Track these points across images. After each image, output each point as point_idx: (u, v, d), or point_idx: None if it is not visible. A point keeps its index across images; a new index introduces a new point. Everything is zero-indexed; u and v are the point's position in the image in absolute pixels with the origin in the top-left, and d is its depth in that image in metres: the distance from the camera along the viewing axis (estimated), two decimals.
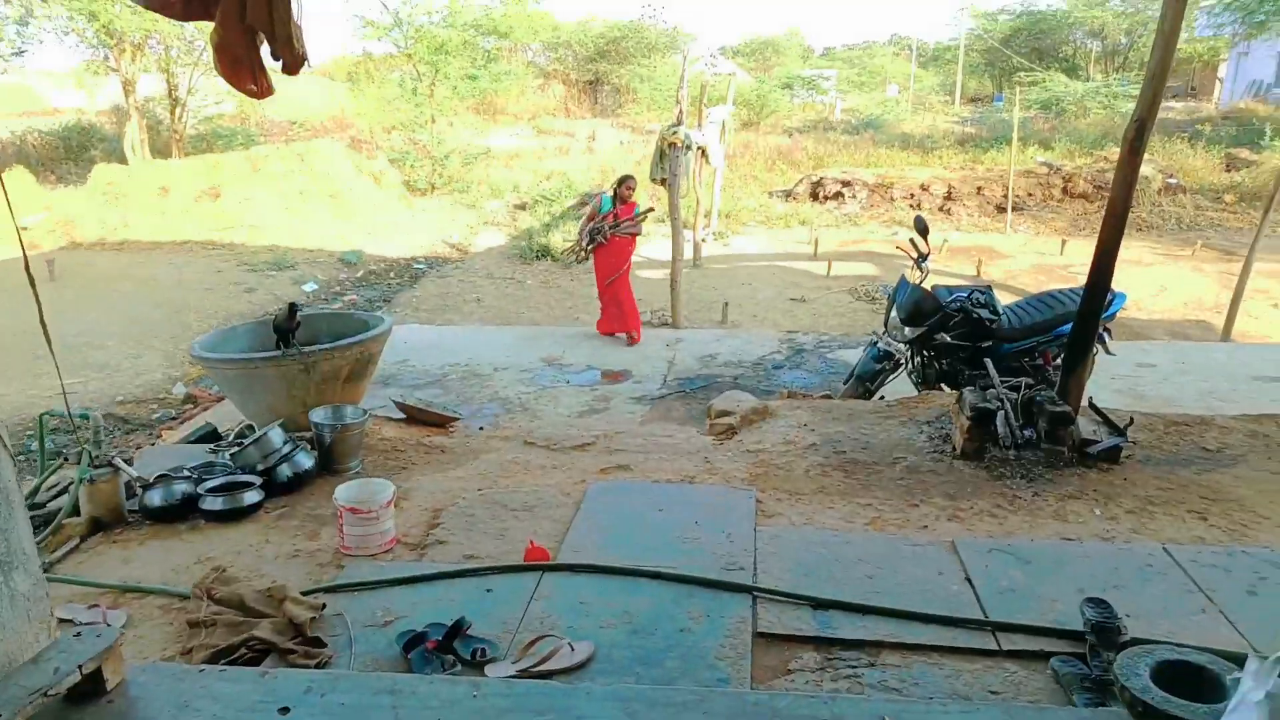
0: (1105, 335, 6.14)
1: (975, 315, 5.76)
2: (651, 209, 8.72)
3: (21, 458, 6.51)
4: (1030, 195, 17.18)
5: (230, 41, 2.19)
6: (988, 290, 6.10)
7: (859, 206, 17.56)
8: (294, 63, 2.25)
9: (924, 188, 17.59)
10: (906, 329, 5.90)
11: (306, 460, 3.75)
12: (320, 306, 10.80)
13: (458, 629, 2.48)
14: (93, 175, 15.96)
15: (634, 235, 8.32)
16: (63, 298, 11.01)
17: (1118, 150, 4.09)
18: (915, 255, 5.94)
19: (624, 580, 2.82)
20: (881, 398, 5.78)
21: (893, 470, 3.88)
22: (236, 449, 3.69)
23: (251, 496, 3.47)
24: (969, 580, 2.83)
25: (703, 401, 6.77)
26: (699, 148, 11.85)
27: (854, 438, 4.29)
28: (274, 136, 26.17)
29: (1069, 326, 6.11)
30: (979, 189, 17.35)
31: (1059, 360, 6.36)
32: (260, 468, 3.65)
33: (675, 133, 9.28)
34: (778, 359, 7.90)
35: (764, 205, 17.86)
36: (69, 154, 22.67)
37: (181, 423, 6.75)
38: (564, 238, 14.78)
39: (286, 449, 3.72)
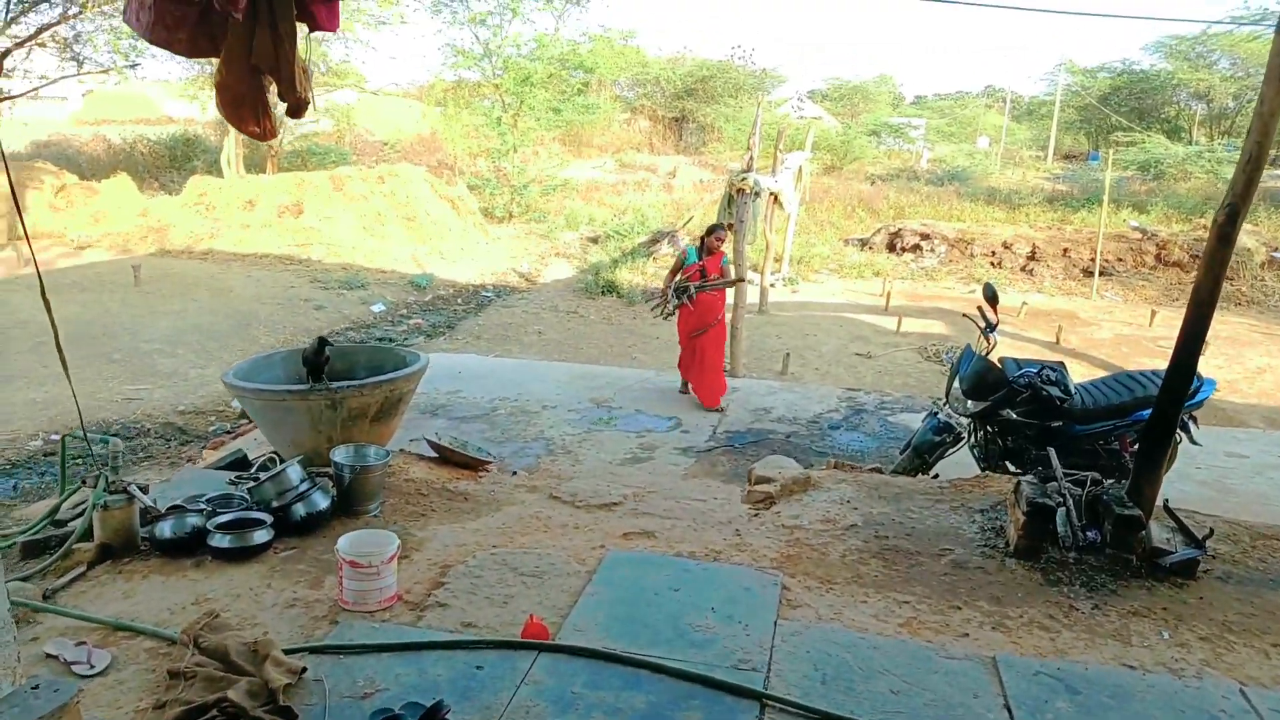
0: (1190, 424, 5.69)
1: (1044, 393, 5.40)
2: (741, 279, 8.50)
3: (49, 475, 6.65)
4: (1120, 260, 16.43)
5: (233, 80, 2.12)
6: (1059, 367, 5.72)
7: (937, 260, 17.07)
8: (298, 105, 2.16)
9: (1007, 245, 17.01)
10: (969, 402, 5.56)
11: (322, 500, 3.66)
12: (363, 336, 10.92)
13: (434, 714, 2.31)
14: (187, 186, 16.64)
15: (736, 282, 8.15)
16: (144, 303, 11.40)
17: None
18: (983, 324, 5.61)
19: (623, 671, 2.61)
20: (935, 475, 5.44)
21: (937, 563, 3.58)
22: (253, 484, 3.62)
23: (260, 536, 3.38)
24: (1008, 709, 2.53)
25: (752, 458, 6.52)
26: (772, 194, 11.66)
27: (899, 521, 3.99)
28: (365, 156, 27.02)
29: (1150, 411, 5.72)
30: (1065, 250, 16.69)
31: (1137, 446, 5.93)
32: (275, 505, 3.57)
33: (744, 179, 9.13)
34: (835, 418, 7.59)
35: (838, 253, 17.53)
36: (173, 163, 23.76)
37: (236, 437, 6.81)
38: (634, 275, 14.74)
39: (303, 487, 3.63)
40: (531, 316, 12.25)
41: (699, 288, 7.40)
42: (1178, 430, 5.84)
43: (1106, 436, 5.63)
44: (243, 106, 2.23)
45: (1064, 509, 3.64)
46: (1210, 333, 11.51)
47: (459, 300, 13.17)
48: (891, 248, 17.93)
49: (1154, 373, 5.84)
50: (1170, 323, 12.34)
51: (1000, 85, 59.26)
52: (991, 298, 5.55)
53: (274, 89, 2.17)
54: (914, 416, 7.90)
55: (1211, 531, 3.60)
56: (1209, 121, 39.28)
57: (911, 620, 3.09)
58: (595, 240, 17.77)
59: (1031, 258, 16.72)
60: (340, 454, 3.83)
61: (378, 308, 12.29)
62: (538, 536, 3.71)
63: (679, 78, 36.48)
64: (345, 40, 21.24)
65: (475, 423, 7.19)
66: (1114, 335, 11.56)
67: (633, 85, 38.60)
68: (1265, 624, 3.20)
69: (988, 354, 5.60)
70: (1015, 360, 5.84)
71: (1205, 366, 10.54)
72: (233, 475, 3.93)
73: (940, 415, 5.79)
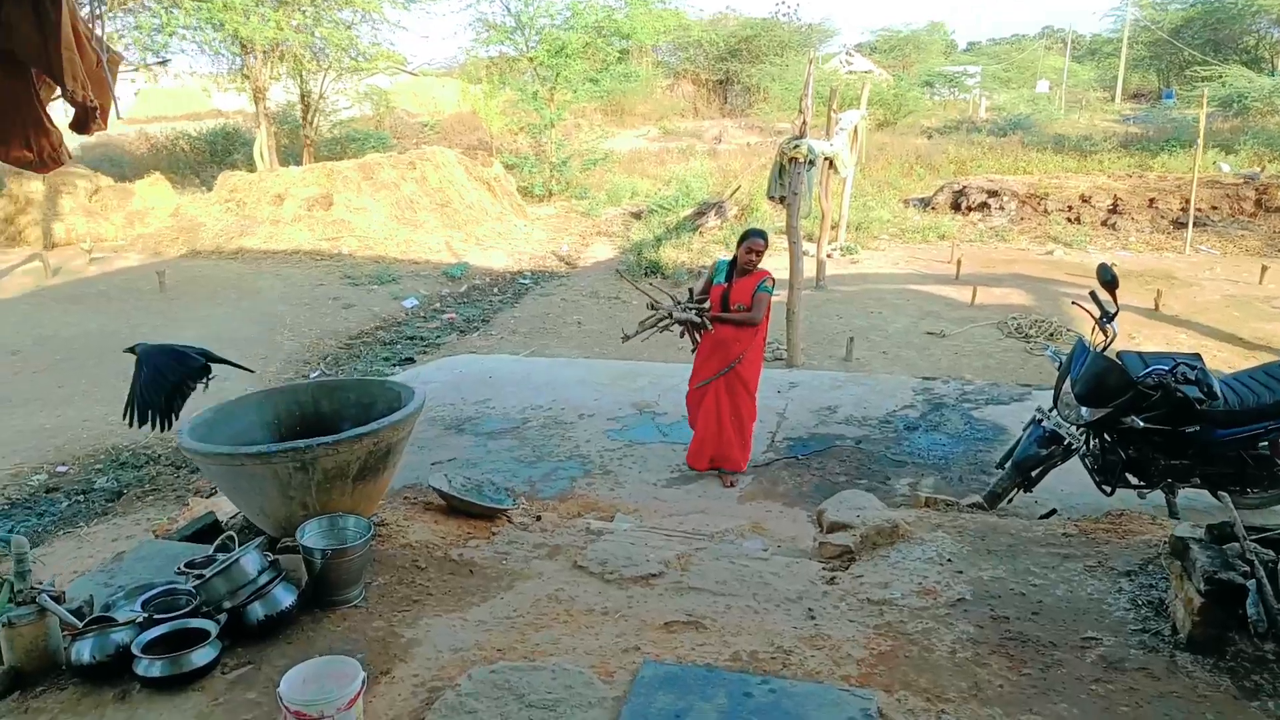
0: None
1: (1180, 395, 4.41)
2: (755, 320, 5.24)
3: (49, 516, 6.13)
4: (1215, 209, 14.93)
5: None
6: (1197, 360, 4.71)
7: (1007, 219, 15.78)
8: (85, 111, 1.38)
9: (1084, 199, 15.62)
10: (1083, 409, 4.59)
11: (286, 597, 2.92)
12: (394, 335, 10.21)
13: None
14: (218, 182, 16.20)
15: (753, 325, 5.25)
16: (169, 310, 10.93)
17: None
18: (1099, 313, 4.63)
19: None
20: (1054, 511, 4.50)
21: (1081, 662, 2.70)
22: (199, 580, 2.89)
23: (201, 656, 2.66)
24: None
25: (815, 472, 5.67)
26: (826, 158, 10.63)
27: (1020, 592, 3.10)
28: (405, 139, 26.43)
29: None
30: (1151, 201, 15.25)
31: None
32: (228, 605, 2.84)
33: (796, 147, 8.14)
34: (911, 415, 6.65)
35: (899, 216, 16.35)
36: (213, 158, 23.45)
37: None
38: (679, 252, 13.83)
39: (263, 580, 2.90)
40: (571, 305, 11.47)
41: (715, 318, 5.18)
42: None
43: (1254, 442, 4.62)
44: (4, 120, 1.47)
45: (1256, 580, 2.72)
46: None
47: (495, 290, 12.45)
48: (956, 207, 16.67)
49: None
50: None
51: (1059, 25, 56.08)
52: (1109, 281, 4.55)
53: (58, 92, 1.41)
54: (1001, 410, 6.92)
55: None
56: None
57: None
58: (638, 216, 16.88)
59: (1113, 211, 15.33)
60: (310, 534, 3.09)
61: (410, 303, 11.64)
62: (555, 631, 2.92)
63: (722, 39, 35.02)
64: (373, 21, 20.52)
65: (504, 439, 6.45)
66: (1220, 297, 10.31)
67: (674, 49, 37.25)
68: None
69: (1105, 349, 4.63)
70: (1139, 354, 4.84)
71: None
72: (182, 564, 3.21)
73: (1046, 424, 4.84)
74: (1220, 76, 27.88)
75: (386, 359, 9.41)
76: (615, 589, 3.26)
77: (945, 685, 2.60)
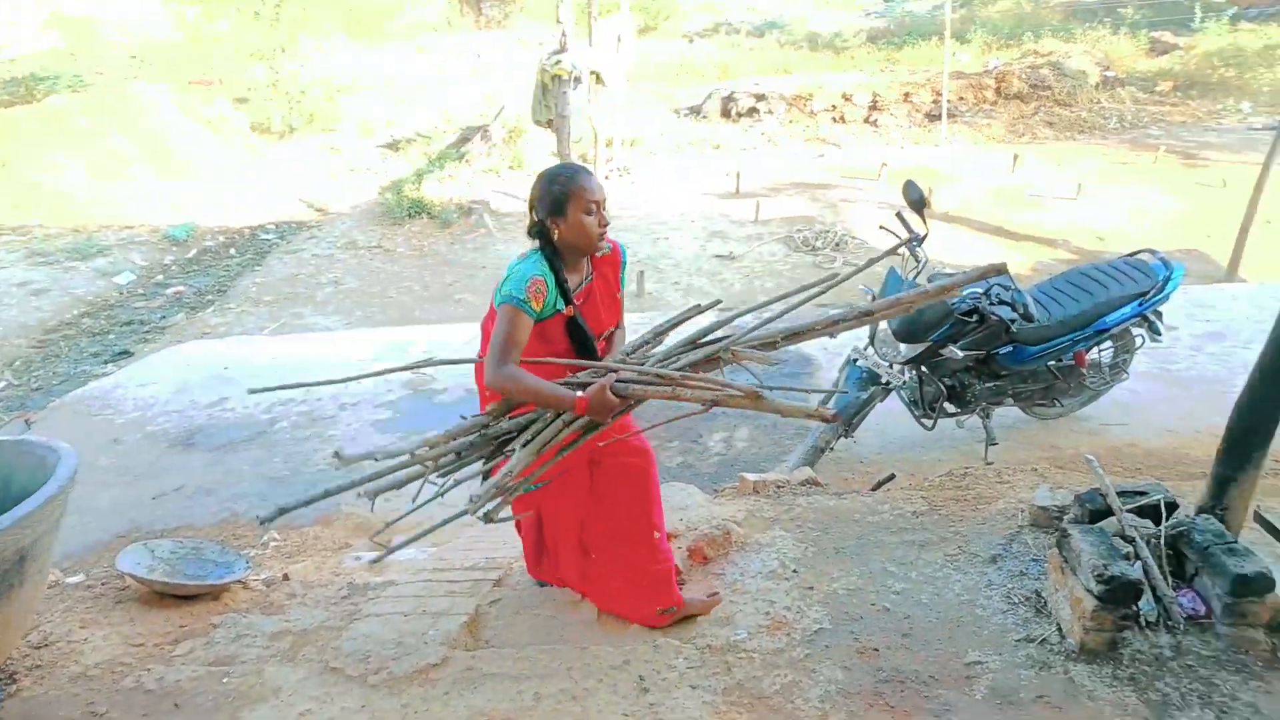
0: (1157, 320, 4.60)
1: (996, 318, 4.10)
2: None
3: None
4: (961, 99, 15.57)
5: None
6: (1005, 276, 4.44)
7: (778, 123, 15.69)
8: None
9: (847, 97, 15.78)
10: (903, 346, 4.20)
11: None
12: (106, 324, 8.39)
13: None
14: None
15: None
16: None
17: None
18: (908, 238, 4.19)
19: None
20: (892, 476, 4.07)
21: (971, 700, 2.21)
22: None
23: None
24: None
25: None
26: (593, 73, 9.74)
27: (882, 605, 2.59)
28: (113, 76, 22.45)
29: (1116, 316, 4.54)
30: (906, 95, 15.64)
31: (1102, 355, 4.81)
32: None
33: (558, 63, 7.20)
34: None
35: (673, 128, 15.82)
36: None
37: None
38: (445, 186, 12.55)
39: None
40: (325, 261, 10.02)
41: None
42: (1141, 333, 4.77)
43: (1061, 354, 4.46)
44: None
45: (1139, 564, 2.32)
46: (1075, 173, 10.53)
47: (231, 251, 10.68)
48: (726, 114, 16.35)
49: (1115, 266, 4.67)
50: (1038, 168, 11.55)
51: None
52: (917, 200, 4.11)
53: None
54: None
55: None
56: None
57: None
58: (395, 148, 15.25)
59: (874, 107, 15.60)
60: None
61: (125, 278, 9.71)
62: None
63: None
64: None
65: (247, 450, 5.29)
66: (983, 189, 10.60)
67: None
68: None
69: (916, 277, 4.23)
70: (949, 276, 4.50)
71: (1080, 213, 9.81)
72: None
73: (863, 363, 4.43)
74: None
75: (96, 355, 7.70)
76: (384, 696, 2.41)
77: None
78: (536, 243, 2.45)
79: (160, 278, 9.85)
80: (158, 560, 3.18)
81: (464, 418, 2.45)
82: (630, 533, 2.60)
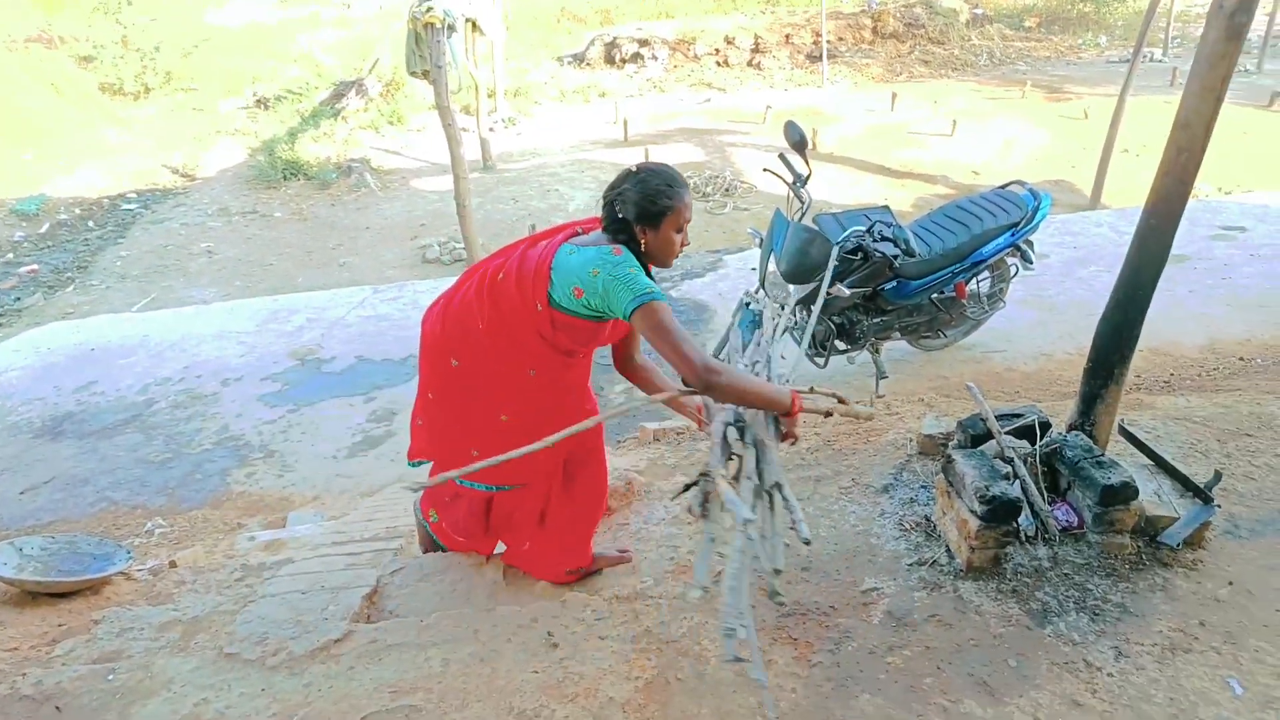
0: (1029, 249, 4.81)
1: (880, 254, 4.21)
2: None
3: None
4: (841, 40, 15.79)
5: None
6: (887, 213, 4.55)
7: (662, 69, 15.57)
8: None
9: (729, 41, 15.78)
10: (792, 287, 4.26)
11: None
12: None
13: None
14: None
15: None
16: None
17: None
18: (792, 179, 4.24)
19: None
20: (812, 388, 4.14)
21: (869, 626, 2.29)
22: None
23: None
24: None
25: None
26: (468, 20, 9.40)
27: (784, 542, 2.64)
28: None
29: (992, 247, 4.73)
30: (787, 37, 15.76)
31: (980, 286, 5.01)
32: None
33: (430, 10, 6.90)
34: None
35: (556, 76, 15.49)
36: None
37: None
38: (322, 145, 11.96)
39: None
40: (196, 229, 9.45)
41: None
42: (1015, 262, 4.98)
43: (942, 287, 4.63)
44: None
45: (1019, 484, 2.45)
46: (949, 109, 10.85)
47: (90, 223, 9.95)
48: (610, 60, 16.13)
49: (987, 198, 4.84)
50: (914, 107, 11.83)
51: None
52: (799, 141, 4.13)
53: None
54: (699, 284, 6.66)
55: (1219, 476, 2.55)
56: None
57: None
58: (264, 105, 14.42)
59: (756, 50, 15.66)
60: None
61: None
62: None
63: None
64: None
65: (122, 434, 4.99)
66: (865, 129, 10.82)
67: None
68: None
69: (802, 217, 4.29)
70: (834, 216, 4.58)
71: (956, 149, 10.14)
72: None
73: (755, 307, 4.48)
74: None
75: None
76: (285, 677, 2.34)
77: (731, 711, 2.06)
78: (605, 233, 2.18)
79: (10, 256, 9.10)
80: (26, 559, 2.98)
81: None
82: (591, 513, 2.63)
